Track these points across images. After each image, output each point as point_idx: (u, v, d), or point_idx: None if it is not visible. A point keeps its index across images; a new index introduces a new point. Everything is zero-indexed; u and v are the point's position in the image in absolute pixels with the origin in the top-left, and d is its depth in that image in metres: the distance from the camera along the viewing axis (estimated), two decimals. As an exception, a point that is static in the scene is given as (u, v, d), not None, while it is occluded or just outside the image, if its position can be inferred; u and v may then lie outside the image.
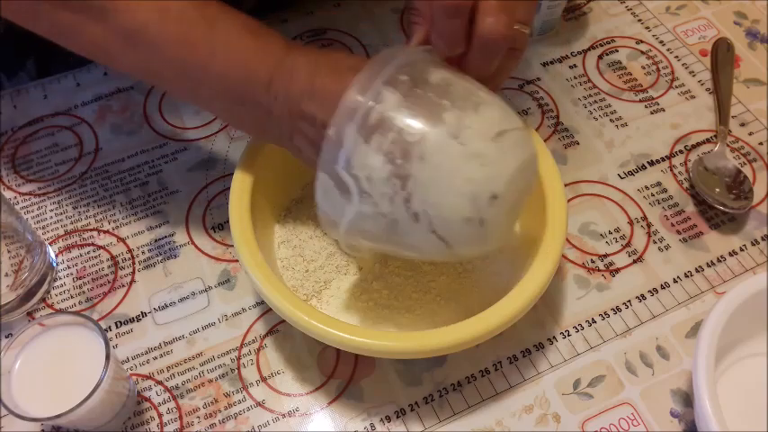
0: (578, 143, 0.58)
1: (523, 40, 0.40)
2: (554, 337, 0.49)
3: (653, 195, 0.55)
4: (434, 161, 0.37)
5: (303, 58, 0.41)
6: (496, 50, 0.39)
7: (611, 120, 0.60)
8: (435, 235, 0.38)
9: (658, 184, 0.56)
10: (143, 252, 0.52)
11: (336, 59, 0.41)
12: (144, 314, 0.50)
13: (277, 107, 0.41)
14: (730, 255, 0.52)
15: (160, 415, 0.46)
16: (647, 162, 0.57)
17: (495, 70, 0.41)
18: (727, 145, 0.58)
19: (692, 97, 0.61)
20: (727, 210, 0.53)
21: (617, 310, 0.50)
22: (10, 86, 0.62)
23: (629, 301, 0.50)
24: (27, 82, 0.62)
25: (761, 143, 0.58)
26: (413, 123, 0.37)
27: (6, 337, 0.49)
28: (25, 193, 0.55)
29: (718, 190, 0.54)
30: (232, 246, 0.46)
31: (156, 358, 0.48)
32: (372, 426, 0.45)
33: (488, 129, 0.38)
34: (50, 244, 0.53)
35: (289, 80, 0.40)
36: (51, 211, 0.54)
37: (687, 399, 0.46)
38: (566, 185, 0.55)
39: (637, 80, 0.62)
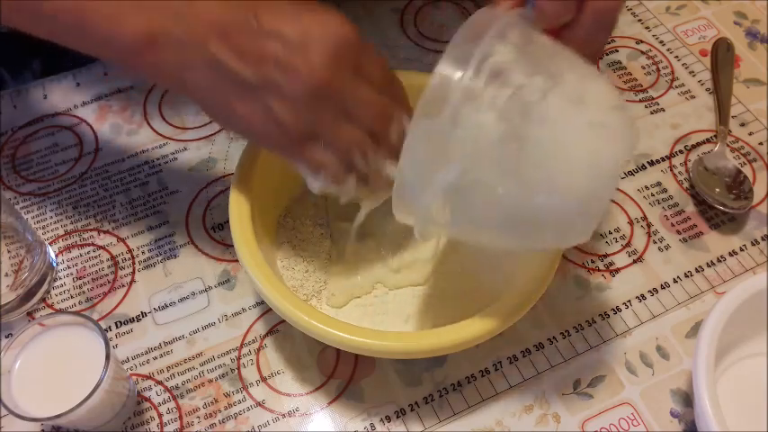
0: (578, 143, 0.58)
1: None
2: (554, 337, 0.49)
3: (653, 195, 0.55)
4: (556, 125, 0.32)
5: None
6: (610, 22, 0.36)
7: (611, 120, 0.59)
8: (539, 213, 0.33)
9: (658, 184, 0.56)
10: (143, 252, 0.52)
11: None
12: (144, 314, 0.50)
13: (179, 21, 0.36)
14: (730, 255, 0.52)
15: (160, 415, 0.46)
16: (647, 162, 0.57)
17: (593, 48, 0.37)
18: (727, 145, 0.58)
19: (692, 97, 0.61)
20: (727, 210, 0.53)
21: (617, 310, 0.50)
22: (14, 85, 0.62)
23: (629, 301, 0.50)
24: (31, 81, 0.62)
25: (761, 143, 0.58)
26: (532, 81, 0.32)
27: (6, 337, 0.49)
28: (25, 193, 0.55)
29: (718, 190, 0.54)
30: (232, 246, 0.46)
31: (156, 358, 0.48)
32: (372, 426, 0.45)
33: (608, 99, 0.34)
34: (50, 244, 0.53)
35: None
36: (51, 211, 0.54)
37: (687, 399, 0.46)
38: (566, 185, 0.55)
39: (637, 80, 0.62)
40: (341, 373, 0.47)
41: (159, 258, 0.52)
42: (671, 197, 0.55)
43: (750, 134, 0.59)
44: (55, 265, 0.52)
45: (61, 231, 0.53)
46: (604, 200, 0.35)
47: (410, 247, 0.49)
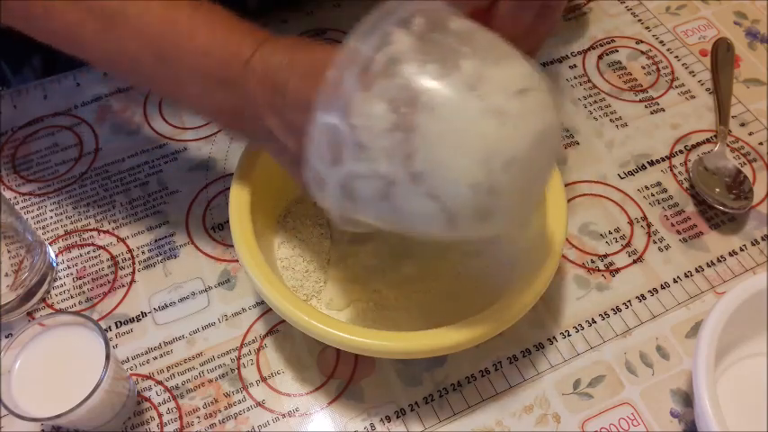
0: (578, 143, 0.58)
1: None
2: (554, 337, 0.49)
3: (653, 195, 0.55)
4: (445, 113, 0.32)
5: (285, 40, 0.39)
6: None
7: (611, 120, 0.60)
8: (436, 202, 0.33)
9: (658, 184, 0.56)
10: (143, 252, 0.52)
11: (315, 52, 0.38)
12: (144, 314, 0.50)
13: (252, 80, 0.38)
14: (730, 255, 0.52)
15: (160, 415, 0.46)
16: (647, 162, 0.57)
17: (527, 33, 0.37)
18: (727, 145, 0.58)
19: (692, 97, 0.61)
20: (727, 210, 0.53)
21: (617, 310, 0.50)
22: (16, 83, 0.62)
23: (629, 301, 0.50)
24: (32, 79, 0.62)
25: (761, 143, 0.58)
26: (425, 69, 0.32)
27: (6, 337, 0.49)
28: (25, 193, 0.55)
29: (718, 190, 0.54)
30: (232, 246, 0.46)
31: (156, 358, 0.48)
32: (372, 426, 0.45)
33: (511, 84, 0.33)
34: (50, 244, 0.53)
35: (269, 53, 0.38)
36: (51, 211, 0.54)
37: (687, 399, 0.46)
38: (566, 185, 0.54)
39: (637, 80, 0.62)
40: (341, 373, 0.47)
41: (159, 258, 0.52)
42: (671, 197, 0.55)
43: (750, 134, 0.59)
44: (55, 265, 0.52)
45: (61, 231, 0.53)
46: (511, 190, 0.34)
47: (410, 252, 0.49)
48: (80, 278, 0.51)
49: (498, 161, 0.32)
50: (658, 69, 0.63)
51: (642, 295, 0.50)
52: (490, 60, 0.33)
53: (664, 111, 0.60)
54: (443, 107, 0.32)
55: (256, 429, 0.45)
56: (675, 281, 0.51)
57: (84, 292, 0.51)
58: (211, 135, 0.58)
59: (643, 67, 0.63)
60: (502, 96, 0.33)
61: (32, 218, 0.54)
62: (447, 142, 0.32)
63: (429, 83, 0.32)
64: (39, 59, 0.64)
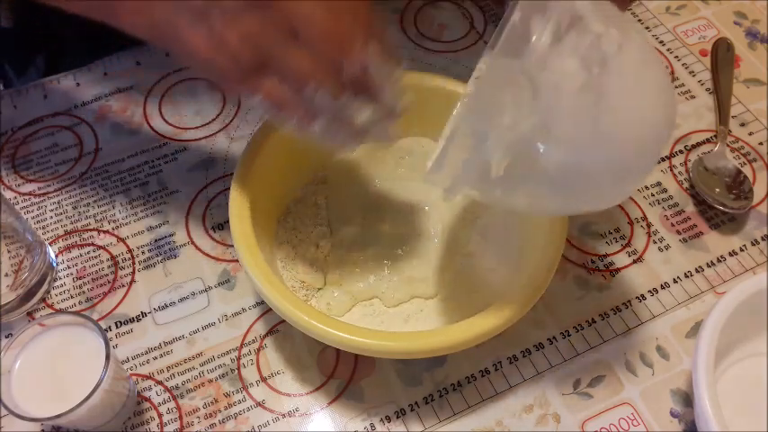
0: (578, 143, 0.58)
1: None
2: (554, 337, 0.49)
3: (653, 195, 0.55)
4: (632, 81, 0.31)
5: None
6: None
7: (611, 120, 0.59)
8: (601, 167, 0.32)
9: (658, 184, 0.56)
10: (143, 252, 0.52)
11: None
12: (144, 314, 0.50)
13: None
14: (730, 255, 0.52)
15: (160, 415, 0.46)
16: (647, 162, 0.57)
17: None
18: (727, 145, 0.58)
19: (692, 97, 0.61)
20: (727, 210, 0.53)
21: (617, 310, 0.50)
22: (19, 83, 0.62)
23: (629, 301, 0.50)
24: (36, 78, 0.62)
25: (761, 143, 0.58)
26: (609, 32, 0.31)
27: (6, 337, 0.49)
28: (25, 193, 0.55)
29: (718, 190, 0.54)
30: (232, 246, 0.46)
31: (156, 358, 0.48)
32: (372, 426, 0.45)
33: (663, 64, 0.34)
34: (50, 244, 0.53)
35: None
36: (51, 211, 0.54)
37: (687, 399, 0.46)
38: (566, 185, 0.55)
39: (637, 80, 0.62)
40: (341, 373, 0.47)
41: (159, 258, 0.52)
42: (671, 197, 0.55)
43: (750, 134, 0.59)
44: (55, 265, 0.52)
45: (61, 231, 0.53)
46: (653, 163, 0.36)
47: (410, 253, 0.49)
48: (80, 278, 0.51)
49: (666, 132, 0.34)
50: (658, 69, 0.63)
51: (642, 295, 0.50)
52: (640, 31, 0.33)
53: (664, 111, 0.60)
54: (630, 74, 0.32)
55: (256, 429, 0.45)
56: (675, 281, 0.51)
57: (84, 292, 0.51)
58: (211, 135, 0.58)
59: (643, 67, 0.63)
60: (665, 75, 0.34)
61: (32, 218, 0.54)
62: (632, 110, 0.32)
63: (615, 46, 0.31)
64: (42, 60, 0.64)
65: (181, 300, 0.50)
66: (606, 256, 0.52)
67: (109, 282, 0.51)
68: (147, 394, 0.46)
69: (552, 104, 0.31)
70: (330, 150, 0.39)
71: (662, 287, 0.51)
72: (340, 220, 0.50)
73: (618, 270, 0.52)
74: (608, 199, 0.37)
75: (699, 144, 0.58)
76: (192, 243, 0.53)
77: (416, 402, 0.46)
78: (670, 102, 0.34)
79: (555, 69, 0.30)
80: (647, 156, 0.34)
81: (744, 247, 0.53)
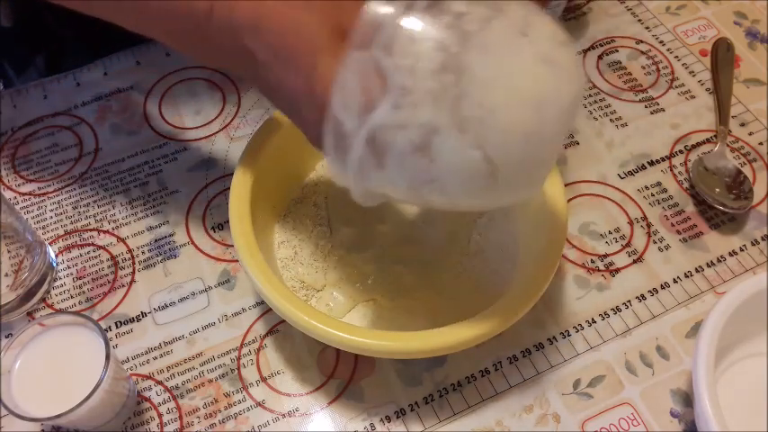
0: (578, 143, 0.58)
1: None
2: (554, 337, 0.49)
3: (653, 195, 0.55)
4: (499, 55, 0.30)
5: None
6: None
7: (611, 120, 0.60)
8: (481, 153, 0.30)
9: (658, 184, 0.56)
10: (143, 252, 0.52)
11: None
12: (144, 314, 0.50)
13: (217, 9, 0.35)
14: (730, 255, 0.52)
15: (160, 415, 0.46)
16: (647, 162, 0.57)
17: None
18: (727, 145, 0.58)
19: (692, 97, 0.61)
20: (727, 210, 0.53)
21: (617, 310, 0.50)
22: (19, 82, 0.62)
23: (629, 301, 0.50)
24: (36, 78, 0.62)
25: (761, 143, 0.58)
26: (473, 9, 0.30)
27: (6, 337, 0.49)
28: (25, 193, 0.55)
29: (718, 190, 0.54)
30: (232, 246, 0.46)
31: (156, 358, 0.48)
32: (372, 426, 0.45)
33: (555, 34, 0.32)
34: (50, 244, 0.53)
35: None
36: (51, 211, 0.54)
37: (687, 399, 0.46)
38: (566, 185, 0.54)
39: (637, 80, 0.62)
40: (341, 373, 0.47)
41: (159, 258, 0.52)
42: (671, 197, 0.55)
43: (750, 134, 0.59)
44: (55, 265, 0.52)
45: (61, 231, 0.53)
46: (554, 144, 0.32)
47: (410, 254, 0.49)
48: (80, 278, 0.51)
49: (551, 110, 0.30)
50: (658, 69, 0.63)
51: (642, 295, 0.50)
52: (530, 10, 0.32)
53: (664, 111, 0.60)
54: (496, 48, 0.30)
55: (256, 429, 0.45)
56: (675, 281, 0.51)
57: (84, 292, 0.51)
58: (211, 135, 0.58)
59: (643, 67, 0.63)
60: (551, 44, 0.31)
61: (32, 218, 0.54)
62: (500, 86, 0.30)
63: (478, 23, 0.30)
64: (42, 60, 0.64)
65: (181, 300, 0.50)
66: (606, 256, 0.52)
67: (109, 282, 0.51)
68: (147, 394, 0.46)
69: (407, 88, 0.30)
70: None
71: (662, 287, 0.51)
72: (340, 220, 0.50)
73: (618, 270, 0.52)
74: (518, 189, 0.34)
75: (699, 144, 0.58)
76: (192, 243, 0.53)
77: (416, 402, 0.46)
78: (561, 75, 0.31)
79: (403, 54, 0.29)
80: (539, 126, 0.31)
81: (744, 247, 0.53)
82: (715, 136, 0.58)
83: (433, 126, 0.30)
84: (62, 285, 0.51)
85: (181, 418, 0.46)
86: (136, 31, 0.40)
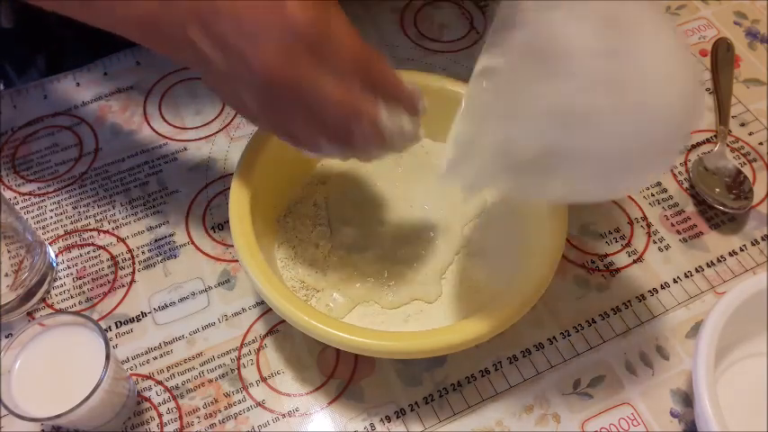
0: (578, 143, 0.58)
1: None
2: (554, 337, 0.49)
3: (653, 195, 0.55)
4: (651, 40, 0.30)
5: None
6: None
7: (611, 120, 0.59)
8: (632, 137, 0.31)
9: (658, 184, 0.56)
10: (143, 252, 0.52)
11: None
12: (144, 314, 0.50)
13: None
14: (730, 255, 0.52)
15: (160, 415, 0.46)
16: (647, 162, 0.57)
17: None
18: (727, 145, 0.58)
19: (692, 97, 0.61)
20: (727, 210, 0.53)
21: (617, 310, 0.50)
22: (20, 83, 0.62)
23: (629, 301, 0.50)
24: (36, 78, 0.62)
25: (761, 143, 0.58)
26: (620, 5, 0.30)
27: (6, 337, 0.49)
28: (25, 193, 0.55)
29: (718, 190, 0.54)
30: (232, 246, 0.46)
31: (156, 358, 0.48)
32: (372, 426, 0.45)
33: (670, 20, 0.34)
34: (50, 244, 0.53)
35: None
36: (51, 211, 0.54)
37: (687, 399, 0.46)
38: (566, 185, 0.55)
39: (637, 80, 0.62)
40: (341, 373, 0.47)
41: (159, 258, 0.52)
42: (671, 197, 0.55)
43: (750, 134, 0.59)
44: (55, 265, 0.52)
45: (61, 231, 0.53)
46: (687, 134, 0.34)
47: (410, 255, 0.49)
48: (80, 278, 0.51)
49: (691, 104, 0.32)
50: (658, 69, 0.63)
51: (642, 295, 0.50)
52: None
53: (664, 111, 0.60)
54: (647, 35, 0.31)
55: (256, 429, 0.45)
56: (675, 281, 0.51)
57: (84, 292, 0.51)
58: (211, 135, 0.58)
59: (643, 67, 0.63)
60: (681, 38, 0.33)
61: (32, 218, 0.54)
62: (656, 72, 0.30)
63: (630, 10, 0.31)
64: (43, 60, 0.64)
65: (181, 300, 0.50)
66: (606, 256, 0.52)
67: (109, 282, 0.51)
68: (147, 394, 0.46)
69: (573, 73, 0.30)
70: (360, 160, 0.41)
71: (662, 287, 0.51)
72: (340, 221, 0.50)
73: (618, 270, 0.52)
74: (652, 171, 0.36)
75: (699, 144, 0.58)
76: (192, 243, 0.53)
77: (416, 402, 0.46)
78: (695, 67, 0.33)
79: (563, 35, 0.29)
80: (679, 122, 0.32)
81: (744, 247, 0.53)
82: (715, 136, 0.58)
83: (594, 106, 0.30)
84: (62, 285, 0.51)
85: (181, 418, 0.46)
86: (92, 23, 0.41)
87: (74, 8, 0.41)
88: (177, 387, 0.47)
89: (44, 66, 0.64)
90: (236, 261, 0.52)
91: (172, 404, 0.46)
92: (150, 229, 0.53)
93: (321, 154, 0.40)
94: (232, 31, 0.34)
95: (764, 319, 0.46)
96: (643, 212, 0.54)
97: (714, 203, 0.53)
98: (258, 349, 0.48)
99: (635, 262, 0.52)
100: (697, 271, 0.52)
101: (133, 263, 0.52)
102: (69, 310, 0.50)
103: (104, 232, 0.53)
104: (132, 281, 0.51)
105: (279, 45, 0.34)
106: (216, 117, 0.59)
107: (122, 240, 0.53)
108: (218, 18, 0.35)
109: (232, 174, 0.46)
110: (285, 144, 0.48)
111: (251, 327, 0.49)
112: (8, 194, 0.55)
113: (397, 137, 0.38)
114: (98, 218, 0.54)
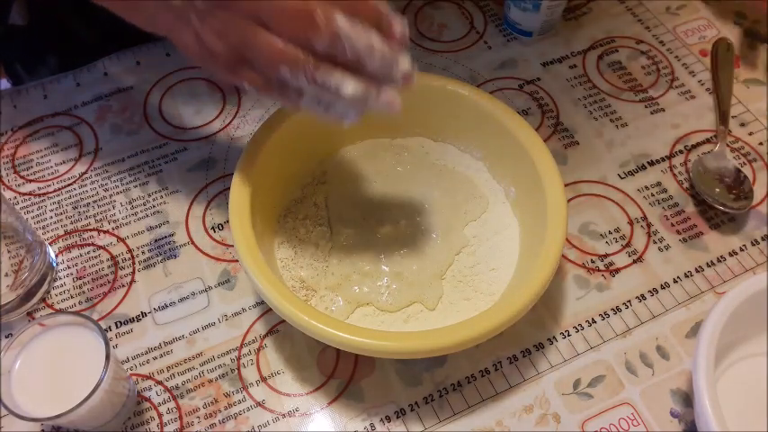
0: (578, 143, 0.58)
1: None
2: (554, 337, 0.49)
3: (653, 195, 0.55)
4: None
5: None
6: None
7: (611, 120, 0.60)
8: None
9: (658, 184, 0.56)
10: (143, 252, 0.52)
11: None
12: (144, 314, 0.50)
13: None
14: (730, 255, 0.52)
15: (160, 415, 0.46)
16: (647, 162, 0.57)
17: None
18: (727, 145, 0.58)
19: (692, 97, 0.61)
20: (727, 210, 0.53)
21: (617, 310, 0.50)
22: (30, 81, 0.62)
23: (629, 301, 0.50)
24: (47, 76, 0.62)
25: (761, 143, 0.58)
26: None
27: (6, 337, 0.49)
28: (25, 193, 0.55)
29: (718, 190, 0.54)
30: (232, 246, 0.46)
31: (156, 358, 0.48)
32: (372, 426, 0.45)
33: None
34: (50, 244, 0.53)
35: None
36: (51, 211, 0.54)
37: (687, 399, 0.46)
38: (566, 185, 0.54)
39: (637, 80, 0.62)
40: (341, 373, 0.47)
41: (159, 258, 0.52)
42: (671, 197, 0.55)
43: (750, 134, 0.59)
44: (55, 265, 0.52)
45: (61, 231, 0.53)
46: None
47: (409, 254, 0.49)
48: (80, 278, 0.51)
49: None
50: (658, 69, 0.63)
51: (642, 295, 0.50)
52: None
53: (664, 111, 0.60)
54: None
55: (256, 429, 0.45)
56: (675, 281, 0.51)
57: (84, 292, 0.51)
58: (211, 135, 0.58)
59: (643, 68, 0.63)
60: None
61: (32, 218, 0.54)
62: None
63: None
64: (54, 59, 0.64)
65: (181, 300, 0.50)
66: (606, 256, 0.52)
67: (109, 282, 0.51)
68: (147, 394, 0.46)
69: None
70: (336, 124, 0.40)
71: (662, 287, 0.51)
72: (340, 221, 0.50)
73: (618, 270, 0.52)
74: None
75: (699, 144, 0.58)
76: (192, 243, 0.53)
77: (416, 402, 0.46)
78: None
79: None
80: None
81: (744, 247, 0.53)
82: (715, 136, 0.58)
83: None
84: (62, 285, 0.51)
85: (181, 418, 0.46)
86: None
87: None
88: (177, 387, 0.47)
89: (55, 65, 0.64)
90: (236, 261, 0.52)
91: (172, 404, 0.46)
92: (150, 229, 0.53)
93: (279, 76, 0.38)
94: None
95: (764, 319, 0.46)
96: (643, 212, 0.54)
97: (714, 203, 0.53)
98: (258, 349, 0.48)
99: (635, 262, 0.52)
100: (697, 271, 0.52)
101: (133, 263, 0.52)
102: (69, 310, 0.50)
103: (104, 232, 0.53)
104: (132, 281, 0.51)
105: None
106: (216, 117, 0.59)
107: (122, 240, 0.53)
108: None
109: (232, 174, 0.46)
110: (285, 144, 0.48)
111: (251, 327, 0.49)
112: (8, 194, 0.55)
113: (368, 56, 0.37)
114: (98, 218, 0.54)
